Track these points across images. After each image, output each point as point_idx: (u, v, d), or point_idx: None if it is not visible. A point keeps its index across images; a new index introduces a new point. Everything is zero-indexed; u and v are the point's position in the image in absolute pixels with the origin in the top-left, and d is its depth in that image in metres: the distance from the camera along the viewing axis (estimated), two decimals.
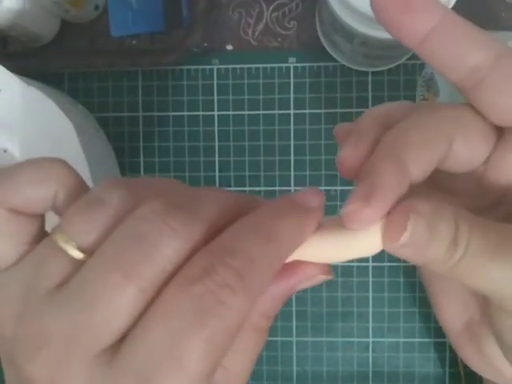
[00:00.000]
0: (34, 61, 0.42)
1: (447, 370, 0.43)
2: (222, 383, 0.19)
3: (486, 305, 0.21)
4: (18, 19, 0.39)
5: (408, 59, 0.42)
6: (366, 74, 0.43)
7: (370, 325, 0.43)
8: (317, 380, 0.44)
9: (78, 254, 0.17)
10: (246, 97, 0.44)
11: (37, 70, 0.42)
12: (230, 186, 0.44)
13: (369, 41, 0.35)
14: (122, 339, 0.16)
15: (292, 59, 0.43)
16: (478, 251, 0.18)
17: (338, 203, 0.43)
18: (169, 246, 0.16)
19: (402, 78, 0.43)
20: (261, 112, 0.43)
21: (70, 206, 0.18)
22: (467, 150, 0.19)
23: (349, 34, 0.35)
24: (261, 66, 0.43)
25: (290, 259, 0.19)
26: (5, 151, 0.34)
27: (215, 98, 0.44)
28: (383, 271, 0.43)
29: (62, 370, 0.16)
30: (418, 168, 0.19)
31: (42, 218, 0.20)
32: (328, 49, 0.42)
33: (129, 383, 0.15)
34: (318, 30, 0.42)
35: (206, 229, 0.17)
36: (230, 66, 0.44)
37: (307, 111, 0.43)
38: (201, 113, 0.44)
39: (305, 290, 0.43)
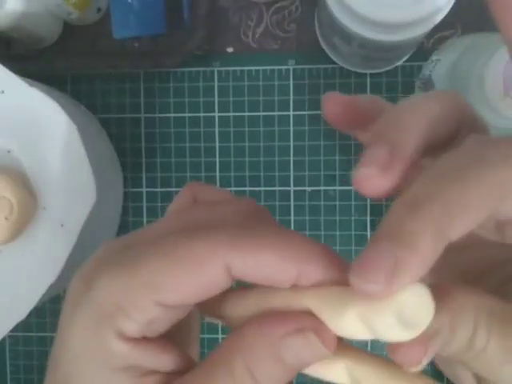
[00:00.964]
0: (36, 63, 0.43)
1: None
2: None
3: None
4: (21, 21, 0.39)
5: (406, 61, 0.42)
6: (364, 75, 0.43)
7: None
8: None
9: None
10: (246, 98, 0.44)
11: (40, 71, 0.42)
12: (230, 187, 0.44)
13: (367, 43, 0.35)
14: None
15: (291, 61, 0.44)
16: (494, 355, 0.17)
17: (338, 203, 0.44)
18: None
19: (399, 79, 0.43)
20: (261, 113, 0.44)
21: None
22: None
23: (347, 37, 0.36)
24: (261, 68, 0.44)
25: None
26: (8, 152, 0.34)
27: (216, 99, 0.44)
28: None
29: None
30: None
31: None
32: (327, 51, 0.42)
33: None
34: (318, 32, 0.43)
35: None
36: (231, 68, 0.44)
37: (306, 113, 0.44)
38: (202, 114, 0.44)
39: None
